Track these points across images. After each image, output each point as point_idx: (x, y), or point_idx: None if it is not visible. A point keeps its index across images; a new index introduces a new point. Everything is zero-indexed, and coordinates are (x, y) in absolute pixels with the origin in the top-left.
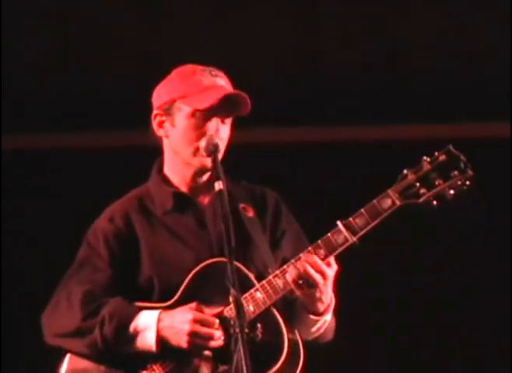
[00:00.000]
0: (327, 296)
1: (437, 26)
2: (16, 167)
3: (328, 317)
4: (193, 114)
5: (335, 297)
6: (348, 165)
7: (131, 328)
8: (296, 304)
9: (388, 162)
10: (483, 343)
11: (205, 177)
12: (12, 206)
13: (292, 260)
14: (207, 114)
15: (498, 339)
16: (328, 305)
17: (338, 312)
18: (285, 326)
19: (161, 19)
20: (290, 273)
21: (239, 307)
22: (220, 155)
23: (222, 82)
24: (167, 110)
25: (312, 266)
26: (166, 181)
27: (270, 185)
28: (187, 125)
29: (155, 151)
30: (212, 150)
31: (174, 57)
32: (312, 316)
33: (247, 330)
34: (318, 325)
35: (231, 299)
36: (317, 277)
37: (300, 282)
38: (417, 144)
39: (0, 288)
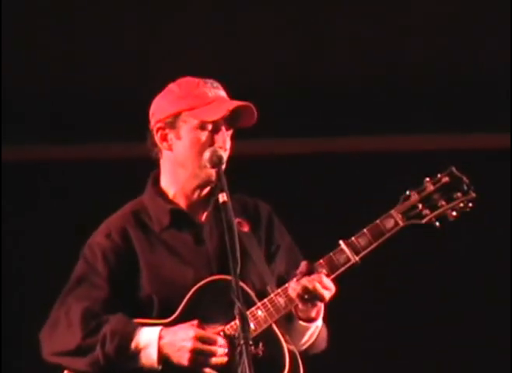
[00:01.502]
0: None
1: (437, 38)
2: (15, 178)
3: (320, 323)
4: (200, 126)
5: (327, 307)
6: (348, 176)
7: (133, 345)
8: (287, 315)
9: (387, 173)
10: (483, 343)
11: (206, 191)
12: (11, 216)
13: (294, 279)
14: (214, 126)
15: (498, 339)
16: (318, 311)
17: (331, 322)
18: (284, 339)
19: (161, 25)
20: (294, 288)
21: (244, 320)
22: (223, 167)
23: (224, 94)
24: (171, 123)
25: (321, 284)
26: (162, 195)
27: (267, 197)
28: (195, 137)
29: (146, 163)
30: (217, 162)
31: (172, 68)
32: (303, 323)
33: (251, 342)
34: (311, 331)
35: (236, 312)
36: (325, 293)
37: (306, 296)
38: (417, 155)
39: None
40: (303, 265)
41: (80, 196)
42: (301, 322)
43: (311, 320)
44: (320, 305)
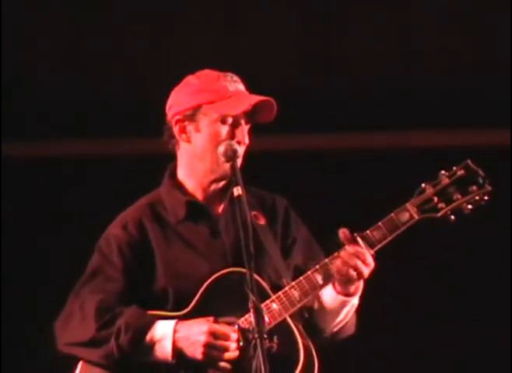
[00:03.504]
0: None
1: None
2: (24, 174)
3: (356, 301)
4: (221, 120)
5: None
6: (360, 173)
7: (148, 338)
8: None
9: (401, 168)
10: (484, 343)
11: (222, 184)
12: (20, 213)
13: (335, 253)
14: (234, 120)
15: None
16: (357, 287)
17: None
18: (299, 333)
19: (173, 25)
20: (338, 264)
21: (258, 313)
22: (239, 161)
23: (243, 88)
24: (191, 116)
25: (361, 259)
26: (179, 187)
27: (283, 192)
28: (214, 131)
29: (161, 158)
30: (231, 156)
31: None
32: (342, 297)
33: (265, 336)
34: (347, 309)
35: (250, 305)
36: (365, 269)
37: (345, 271)
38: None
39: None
40: (347, 234)
41: (90, 194)
42: (340, 296)
43: (350, 295)
44: (359, 282)
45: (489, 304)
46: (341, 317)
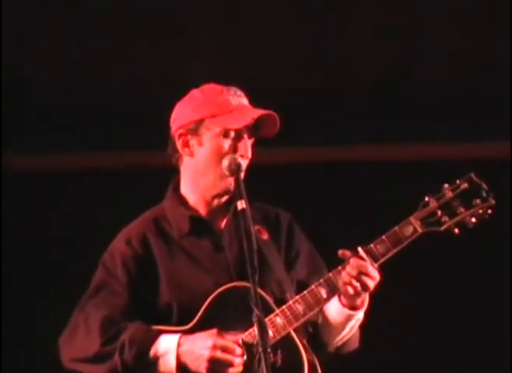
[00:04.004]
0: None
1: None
2: (31, 187)
3: (361, 315)
4: (223, 134)
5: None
6: (365, 185)
7: (152, 353)
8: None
9: (403, 181)
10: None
11: (225, 199)
12: (25, 226)
13: (339, 267)
14: (237, 134)
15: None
16: (363, 300)
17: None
18: (304, 348)
19: (173, 25)
20: (343, 278)
21: (262, 327)
22: (242, 175)
23: (246, 102)
24: (194, 130)
25: (365, 272)
26: (182, 202)
27: (286, 206)
28: (217, 145)
29: (165, 172)
30: (235, 169)
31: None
32: (348, 310)
33: (269, 350)
34: (351, 323)
35: (254, 319)
36: (370, 282)
37: (351, 284)
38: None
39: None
40: (348, 253)
41: (95, 207)
42: (346, 310)
43: (356, 308)
44: (365, 295)
45: (490, 314)
46: (345, 331)
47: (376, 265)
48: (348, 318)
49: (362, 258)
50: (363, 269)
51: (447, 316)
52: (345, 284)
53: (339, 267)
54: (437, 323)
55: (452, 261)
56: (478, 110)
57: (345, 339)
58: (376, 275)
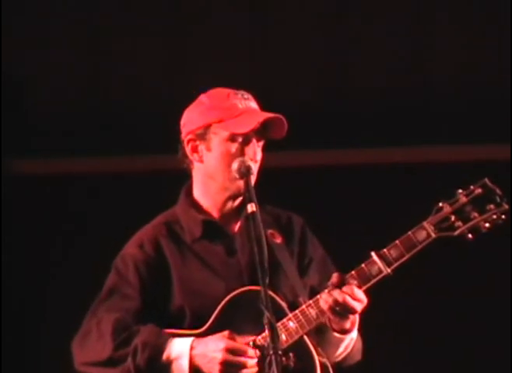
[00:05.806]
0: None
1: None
2: (39, 192)
3: (354, 334)
4: (231, 138)
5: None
6: (378, 188)
7: (164, 356)
8: (322, 326)
9: (416, 185)
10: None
11: (237, 202)
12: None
13: (326, 290)
14: (245, 138)
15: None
16: (353, 322)
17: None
18: (316, 351)
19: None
20: (326, 300)
21: (272, 329)
22: (254, 178)
23: (255, 106)
24: (202, 135)
25: (351, 296)
26: (195, 206)
27: (298, 209)
28: (225, 149)
29: (178, 176)
30: (245, 172)
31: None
32: (338, 335)
33: (280, 352)
34: (346, 343)
35: (265, 321)
36: (356, 305)
37: (337, 309)
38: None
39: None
40: (335, 277)
41: (106, 212)
42: (335, 334)
43: (345, 332)
44: (354, 317)
45: (490, 315)
46: (340, 350)
47: (363, 288)
48: (341, 340)
49: (348, 281)
50: (347, 291)
51: (448, 321)
52: (331, 308)
53: (323, 291)
54: (438, 329)
55: (452, 263)
56: (479, 112)
57: (342, 356)
58: (363, 298)
